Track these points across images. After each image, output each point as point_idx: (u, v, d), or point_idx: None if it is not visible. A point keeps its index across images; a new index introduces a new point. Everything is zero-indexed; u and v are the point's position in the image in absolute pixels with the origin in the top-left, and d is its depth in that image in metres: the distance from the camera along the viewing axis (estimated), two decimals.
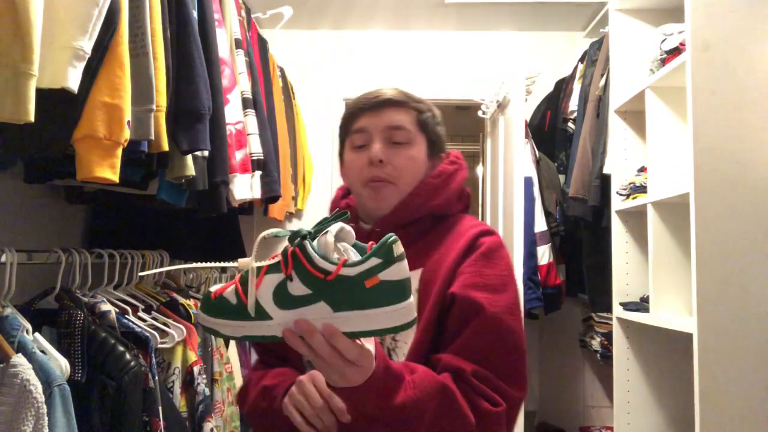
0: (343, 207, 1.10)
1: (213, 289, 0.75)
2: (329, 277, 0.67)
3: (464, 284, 0.95)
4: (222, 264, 0.77)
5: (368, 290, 0.68)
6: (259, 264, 0.72)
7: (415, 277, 0.94)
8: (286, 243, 0.72)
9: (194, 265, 0.79)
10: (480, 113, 3.11)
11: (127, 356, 1.27)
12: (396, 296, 0.69)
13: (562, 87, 2.96)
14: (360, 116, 1.07)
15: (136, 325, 1.44)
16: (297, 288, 0.69)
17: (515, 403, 0.92)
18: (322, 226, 0.72)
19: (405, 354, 0.95)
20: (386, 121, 1.05)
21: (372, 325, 0.69)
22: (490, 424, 0.87)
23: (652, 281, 2.01)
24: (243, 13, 2.04)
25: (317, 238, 0.70)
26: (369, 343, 0.75)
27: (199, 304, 0.77)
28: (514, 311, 0.96)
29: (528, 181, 2.66)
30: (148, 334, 1.41)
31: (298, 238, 0.70)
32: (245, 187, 1.77)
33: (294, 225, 3.19)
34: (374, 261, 0.68)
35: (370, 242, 0.71)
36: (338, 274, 0.67)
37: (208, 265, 0.78)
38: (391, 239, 0.68)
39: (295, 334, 0.70)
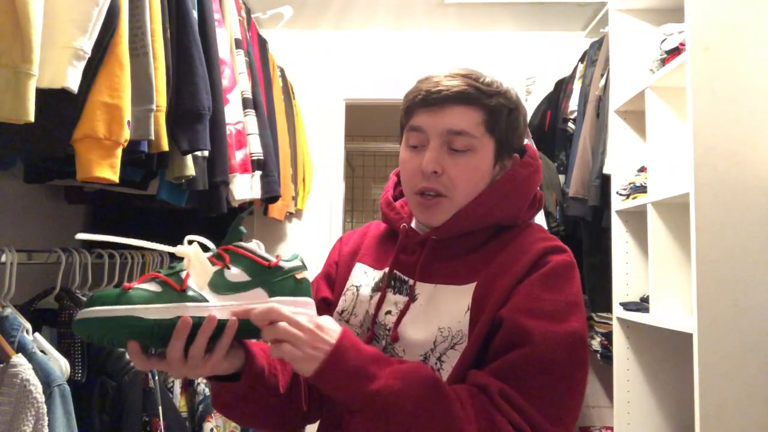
0: (398, 206, 1.00)
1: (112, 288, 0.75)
2: (272, 264, 0.79)
3: (516, 307, 0.81)
4: (163, 248, 0.77)
5: (297, 281, 0.81)
6: (208, 254, 0.78)
7: (468, 291, 0.87)
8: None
9: (134, 242, 0.77)
10: None
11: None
12: (310, 292, 0.83)
13: (562, 87, 2.96)
14: (418, 111, 0.91)
15: None
16: (236, 275, 0.77)
17: None
18: (235, 233, 0.82)
19: None
20: (446, 124, 0.89)
21: (301, 311, 0.78)
22: None
23: (652, 281, 2.01)
24: (243, 13, 2.04)
25: (245, 243, 0.81)
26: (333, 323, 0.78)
27: (85, 304, 0.71)
28: (573, 346, 0.80)
29: None
30: None
31: (237, 239, 0.81)
32: (245, 187, 1.77)
33: (294, 225, 3.20)
34: (297, 262, 0.82)
35: (278, 255, 0.82)
36: (278, 264, 0.79)
37: (147, 244, 0.77)
38: (297, 254, 0.84)
39: (264, 318, 0.73)
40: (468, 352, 0.83)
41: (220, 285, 0.75)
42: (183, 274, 0.75)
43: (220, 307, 0.74)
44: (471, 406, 0.76)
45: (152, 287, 0.73)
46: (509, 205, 0.93)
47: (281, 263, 0.80)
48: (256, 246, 0.81)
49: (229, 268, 0.77)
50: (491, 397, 0.77)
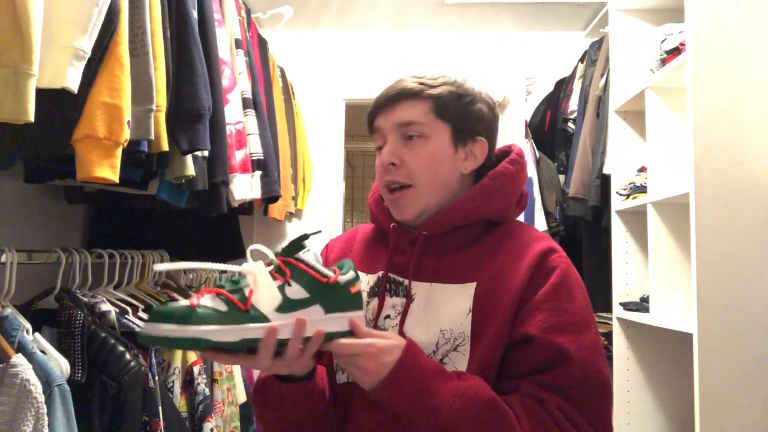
0: (386, 206, 1.02)
1: (177, 304, 0.75)
2: (331, 280, 0.79)
3: (545, 326, 0.84)
4: (232, 268, 0.79)
5: (352, 295, 0.82)
6: (269, 268, 0.78)
7: (467, 291, 0.89)
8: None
9: (202, 265, 0.80)
10: None
11: (127, 356, 1.27)
12: (362, 303, 0.84)
13: (562, 87, 2.96)
14: (375, 116, 0.98)
15: (136, 325, 1.44)
16: (295, 292, 0.78)
17: None
18: (296, 246, 0.82)
19: None
20: (396, 118, 0.94)
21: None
22: None
23: (652, 281, 2.01)
24: (243, 13, 2.04)
25: (305, 254, 0.82)
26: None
27: (151, 317, 0.72)
28: (598, 348, 0.86)
29: (528, 181, 2.66)
30: None
31: (296, 252, 0.81)
32: (245, 187, 1.77)
33: (294, 225, 3.20)
34: (351, 273, 0.83)
35: (335, 268, 0.82)
36: (336, 280, 0.80)
37: (215, 266, 0.80)
38: (348, 261, 0.85)
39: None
40: (483, 359, 0.85)
41: (281, 303, 0.77)
42: (246, 291, 0.76)
43: (281, 326, 0.76)
44: (527, 420, 0.79)
45: (218, 305, 0.74)
46: (498, 200, 0.96)
47: (339, 278, 0.81)
48: (314, 258, 0.82)
49: (289, 285, 0.78)
50: (550, 411, 0.81)
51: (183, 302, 0.74)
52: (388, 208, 0.99)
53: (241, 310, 0.74)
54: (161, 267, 0.76)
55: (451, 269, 0.92)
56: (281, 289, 0.77)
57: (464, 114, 0.96)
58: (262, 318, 0.75)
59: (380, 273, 0.97)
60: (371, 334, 0.82)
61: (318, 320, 0.78)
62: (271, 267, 0.79)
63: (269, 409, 0.90)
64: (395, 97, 0.95)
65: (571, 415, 0.81)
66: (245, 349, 0.76)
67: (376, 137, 0.98)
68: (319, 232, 0.88)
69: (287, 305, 0.77)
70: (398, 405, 0.79)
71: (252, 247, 0.80)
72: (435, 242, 0.94)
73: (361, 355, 0.78)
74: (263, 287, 0.76)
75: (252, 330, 0.74)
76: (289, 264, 0.80)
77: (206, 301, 0.74)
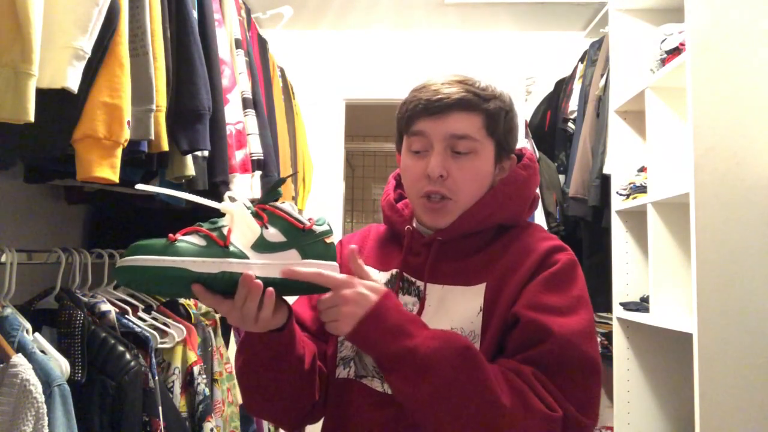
0: (400, 208, 1.02)
1: (156, 239, 0.75)
2: (306, 227, 0.82)
3: (529, 304, 0.85)
4: (209, 203, 0.80)
5: (327, 245, 0.84)
6: (250, 209, 0.80)
7: (479, 292, 0.90)
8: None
9: (182, 194, 0.80)
10: None
11: (127, 356, 1.27)
12: (336, 256, 0.86)
13: (562, 87, 2.96)
14: (420, 119, 0.93)
15: (136, 325, 1.44)
16: (273, 236, 0.80)
17: (579, 427, 0.80)
18: (273, 194, 0.85)
19: None
20: (449, 129, 0.91)
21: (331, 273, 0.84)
22: (539, 425, 0.77)
23: (652, 281, 2.01)
24: (243, 13, 2.04)
25: (283, 204, 0.84)
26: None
27: (129, 251, 0.72)
28: (588, 335, 0.84)
29: None
30: (148, 334, 1.41)
31: (273, 200, 0.84)
32: (245, 187, 1.77)
33: None
34: (326, 226, 0.86)
35: (310, 218, 0.85)
36: (311, 228, 0.83)
37: (195, 198, 0.80)
38: (323, 217, 0.87)
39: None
40: (485, 350, 0.86)
41: (258, 244, 0.79)
42: (225, 230, 0.77)
43: (260, 265, 0.77)
44: (504, 381, 0.79)
45: (197, 240, 0.75)
46: (512, 206, 0.96)
47: (314, 227, 0.83)
48: (290, 207, 0.84)
49: (266, 228, 0.80)
50: (525, 378, 0.80)
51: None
52: (417, 212, 0.98)
53: (219, 245, 0.75)
54: (142, 187, 0.77)
55: (463, 272, 0.93)
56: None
57: (507, 131, 0.96)
58: (241, 255, 0.76)
59: (394, 271, 0.98)
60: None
61: (296, 264, 0.80)
62: (249, 211, 0.81)
63: (245, 364, 0.90)
64: (451, 106, 0.91)
65: (546, 383, 0.80)
66: (223, 290, 0.75)
67: (414, 140, 0.94)
68: (294, 174, 0.89)
69: (265, 245, 0.79)
70: (374, 345, 0.80)
71: (228, 193, 0.82)
72: (448, 246, 0.95)
73: (340, 286, 0.80)
74: (242, 224, 0.78)
75: (232, 264, 0.75)
76: (266, 210, 0.82)
77: (185, 237, 0.75)
